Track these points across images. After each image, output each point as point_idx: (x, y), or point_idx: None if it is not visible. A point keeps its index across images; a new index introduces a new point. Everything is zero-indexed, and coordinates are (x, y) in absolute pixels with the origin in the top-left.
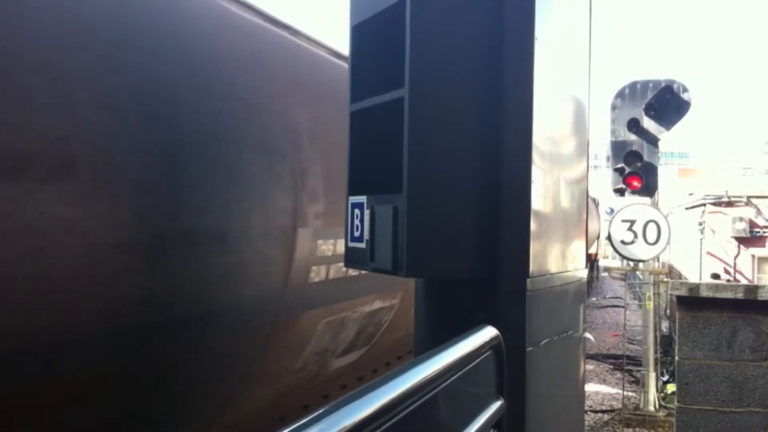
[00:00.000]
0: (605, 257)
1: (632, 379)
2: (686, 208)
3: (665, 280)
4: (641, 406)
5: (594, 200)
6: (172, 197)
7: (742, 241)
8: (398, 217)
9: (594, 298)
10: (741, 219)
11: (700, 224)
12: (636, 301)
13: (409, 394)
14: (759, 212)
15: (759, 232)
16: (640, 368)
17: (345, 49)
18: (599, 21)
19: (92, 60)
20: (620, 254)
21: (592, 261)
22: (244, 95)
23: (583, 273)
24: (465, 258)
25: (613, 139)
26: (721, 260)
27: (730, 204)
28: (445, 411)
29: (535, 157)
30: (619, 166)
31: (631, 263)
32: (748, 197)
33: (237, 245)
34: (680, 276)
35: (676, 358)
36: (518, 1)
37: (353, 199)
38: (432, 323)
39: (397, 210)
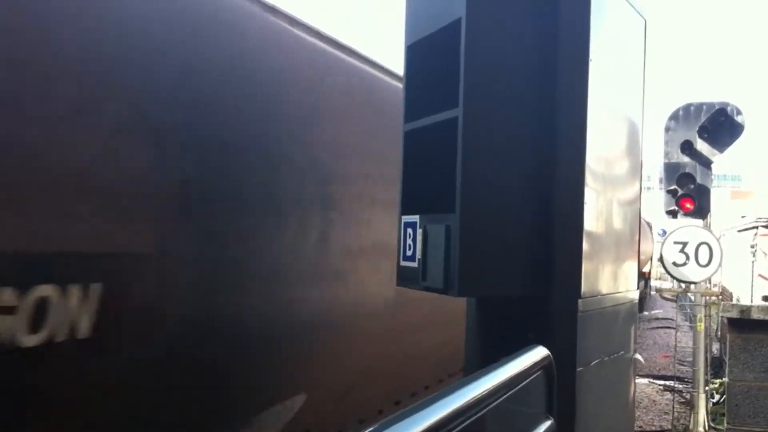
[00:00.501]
0: (658, 278)
1: (682, 400)
2: (738, 231)
3: (716, 302)
4: (691, 427)
5: (648, 223)
6: None
7: None
8: (450, 237)
9: (646, 312)
10: None
11: (752, 246)
12: (687, 323)
13: (459, 413)
14: None
15: None
16: (690, 389)
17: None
18: (654, 42)
19: None
20: (672, 276)
21: (645, 279)
22: None
23: (635, 294)
24: (516, 278)
25: (666, 161)
26: None
27: None
28: (496, 430)
29: (588, 177)
30: (672, 187)
31: (683, 285)
32: None
33: None
34: (732, 298)
35: (727, 379)
36: (573, 21)
37: (406, 218)
38: (483, 342)
39: (449, 229)
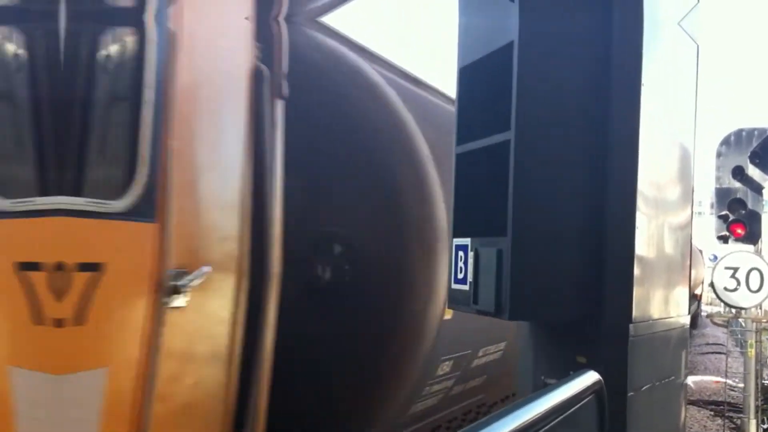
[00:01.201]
0: (708, 303)
1: (733, 426)
2: None
3: (767, 327)
4: None
5: (698, 249)
6: None
7: None
8: (502, 260)
9: (695, 330)
10: None
11: None
12: (738, 348)
13: None
14: None
15: None
16: (741, 415)
17: None
18: (707, 66)
19: None
20: (723, 301)
21: (697, 300)
22: None
23: (686, 319)
24: (568, 302)
25: (718, 186)
26: None
27: None
28: None
29: (640, 202)
30: (723, 213)
31: (734, 310)
32: None
33: None
34: None
35: None
36: (626, 45)
37: (457, 241)
38: (535, 366)
39: (501, 253)
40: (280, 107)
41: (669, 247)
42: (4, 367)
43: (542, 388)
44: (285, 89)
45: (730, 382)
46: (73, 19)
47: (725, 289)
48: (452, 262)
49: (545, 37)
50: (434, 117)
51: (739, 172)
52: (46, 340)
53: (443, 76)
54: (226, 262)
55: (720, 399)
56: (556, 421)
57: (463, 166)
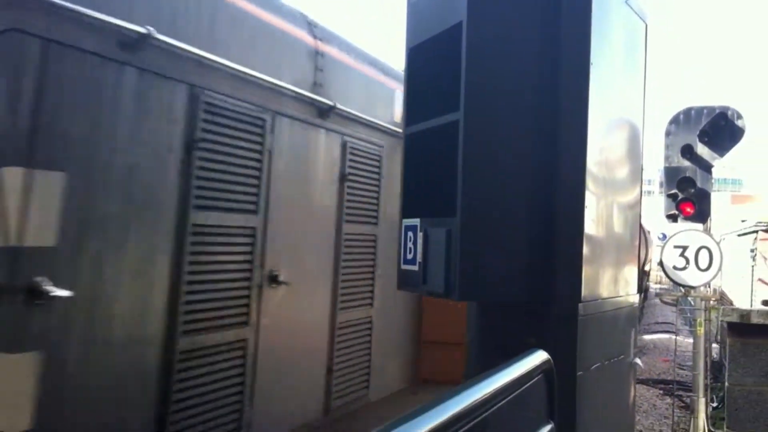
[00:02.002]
0: (658, 283)
1: (682, 404)
2: (738, 235)
3: (716, 306)
4: (691, 431)
5: (643, 228)
6: None
7: None
8: (451, 241)
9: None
10: None
11: (752, 251)
12: (687, 327)
13: (460, 417)
14: None
15: None
16: (691, 393)
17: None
18: (655, 47)
19: None
20: (672, 280)
21: (647, 278)
22: None
23: (635, 298)
24: (517, 282)
25: (667, 165)
26: None
27: None
28: None
29: (589, 182)
30: (672, 192)
31: (683, 289)
32: None
33: None
34: (732, 303)
35: (726, 383)
36: (574, 26)
37: (407, 221)
38: (483, 346)
39: (450, 233)
40: None
41: (618, 227)
42: None
43: (491, 368)
44: None
45: (679, 361)
46: None
47: (674, 267)
48: (402, 243)
49: (494, 17)
50: None
51: (688, 151)
52: None
53: None
54: None
55: (669, 378)
56: (505, 400)
57: (413, 147)
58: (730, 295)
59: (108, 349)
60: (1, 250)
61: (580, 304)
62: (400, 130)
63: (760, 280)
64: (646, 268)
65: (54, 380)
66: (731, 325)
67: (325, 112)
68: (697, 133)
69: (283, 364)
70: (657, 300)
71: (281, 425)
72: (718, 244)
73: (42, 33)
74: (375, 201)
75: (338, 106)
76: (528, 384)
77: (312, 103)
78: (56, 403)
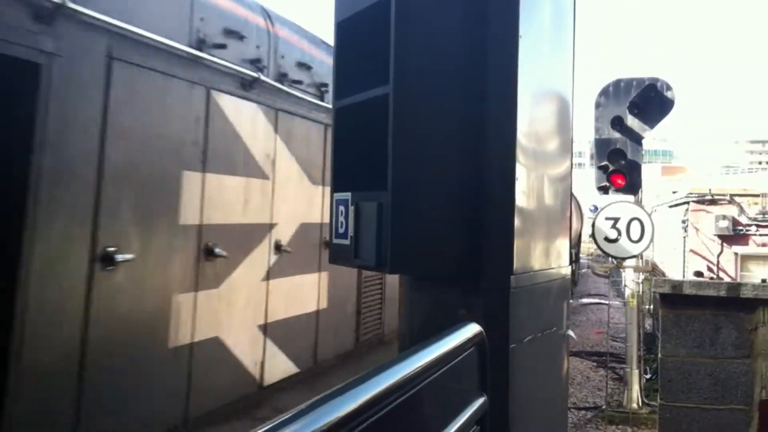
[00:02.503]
0: (590, 255)
1: (615, 376)
2: (670, 206)
3: (648, 277)
4: (624, 403)
5: (575, 198)
6: None
7: (725, 239)
8: (383, 214)
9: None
10: (724, 217)
11: (684, 222)
12: (619, 299)
13: (392, 390)
14: (742, 210)
15: (742, 230)
16: (624, 365)
17: None
18: (583, 18)
19: None
20: (604, 251)
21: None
22: None
23: (567, 270)
24: (449, 255)
25: (597, 137)
26: (704, 258)
27: (713, 202)
28: (429, 407)
29: (519, 154)
30: (603, 164)
31: (615, 261)
32: (731, 195)
33: None
34: (664, 274)
35: (660, 355)
36: None
37: (338, 195)
38: (416, 319)
39: (381, 206)
40: None
41: (549, 199)
42: None
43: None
44: None
45: (612, 333)
46: None
47: (606, 239)
48: (333, 217)
49: None
50: None
51: (618, 123)
52: None
53: None
54: None
55: (602, 350)
56: (438, 373)
57: (343, 121)
58: (663, 267)
59: None
60: None
61: (511, 277)
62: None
63: (692, 251)
64: (578, 241)
65: None
66: (664, 297)
67: None
68: (627, 104)
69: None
70: (589, 271)
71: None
72: (649, 215)
73: None
74: None
75: None
76: (460, 357)
77: None
78: None
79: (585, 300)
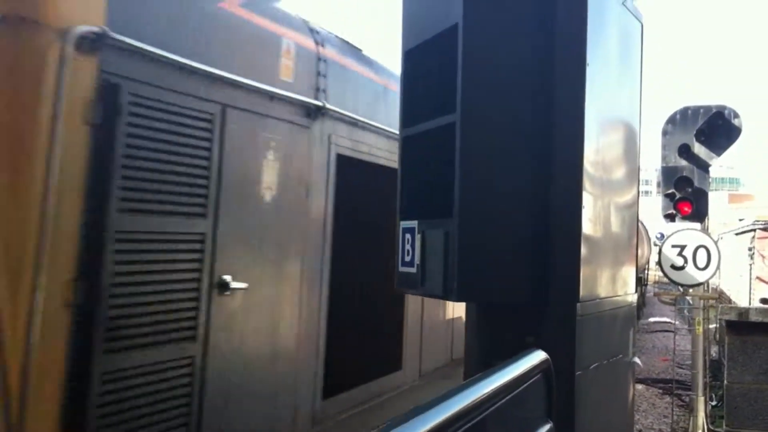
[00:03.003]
0: (655, 282)
1: (681, 403)
2: (736, 234)
3: (714, 304)
4: (690, 430)
5: (644, 226)
6: None
7: None
8: (449, 242)
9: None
10: None
11: (750, 249)
12: (686, 326)
13: (459, 417)
14: None
15: None
16: (689, 392)
17: None
18: (651, 46)
19: None
20: (670, 279)
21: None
22: None
23: (633, 297)
24: (515, 283)
25: (664, 165)
26: None
27: None
28: None
29: (586, 182)
30: (670, 191)
31: (681, 288)
32: None
33: None
34: (730, 301)
35: (725, 382)
36: (570, 26)
37: (404, 223)
38: (483, 346)
39: (448, 235)
40: None
41: (615, 226)
42: None
43: (490, 368)
44: None
45: (678, 360)
46: None
47: (672, 267)
48: (400, 245)
49: (489, 19)
50: None
51: (685, 150)
52: None
53: None
54: None
55: (668, 377)
56: (505, 400)
57: (409, 149)
58: (729, 294)
59: None
60: None
61: (578, 304)
62: None
63: (758, 278)
64: (645, 266)
65: None
66: (730, 324)
67: None
68: (694, 132)
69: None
70: (655, 303)
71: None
72: (715, 243)
73: None
74: None
75: None
76: (527, 383)
77: None
78: None
79: (652, 319)
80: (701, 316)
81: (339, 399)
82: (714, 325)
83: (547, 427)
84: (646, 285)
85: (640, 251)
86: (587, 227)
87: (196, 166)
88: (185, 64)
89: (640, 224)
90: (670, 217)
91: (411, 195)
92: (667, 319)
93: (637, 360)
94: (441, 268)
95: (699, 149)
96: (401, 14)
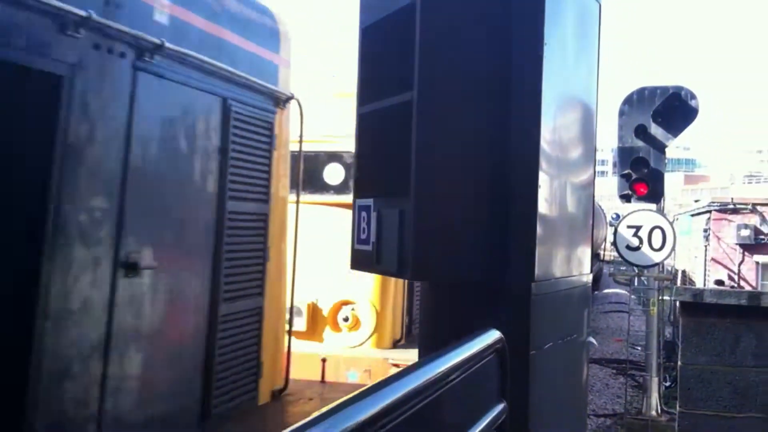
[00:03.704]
0: (610, 262)
1: (635, 383)
2: (692, 215)
3: (669, 286)
4: (644, 410)
5: (600, 207)
6: None
7: (746, 248)
8: (405, 221)
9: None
10: (746, 226)
11: (705, 231)
12: (640, 307)
13: (413, 395)
14: (764, 219)
15: (764, 239)
16: (644, 373)
17: None
18: (608, 26)
19: None
20: (625, 260)
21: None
22: None
23: (588, 277)
24: (470, 261)
25: (621, 145)
26: (725, 267)
27: (735, 211)
28: (449, 412)
29: (543, 162)
30: (626, 172)
31: (636, 269)
32: (754, 204)
33: None
34: (692, 281)
35: (679, 363)
36: (527, 6)
37: (360, 201)
38: (436, 326)
39: (403, 213)
40: None
41: (572, 206)
42: None
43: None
44: None
45: (632, 341)
46: None
47: (628, 247)
48: (355, 223)
49: None
50: None
51: (641, 131)
52: None
53: None
54: None
55: (622, 357)
56: (458, 379)
57: (366, 127)
58: (692, 276)
59: None
60: None
61: (533, 284)
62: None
63: (713, 260)
64: (600, 248)
65: None
66: (684, 305)
67: None
68: (651, 113)
69: None
70: (611, 284)
71: None
72: (671, 224)
73: None
74: None
75: None
76: (481, 363)
77: None
78: None
79: (607, 291)
80: (656, 297)
81: None
82: (669, 299)
83: (501, 406)
84: (603, 261)
85: (597, 231)
86: (543, 207)
87: None
88: None
89: (596, 205)
90: (625, 198)
91: (367, 173)
92: (623, 292)
93: (592, 339)
94: (396, 246)
95: (656, 130)
96: None
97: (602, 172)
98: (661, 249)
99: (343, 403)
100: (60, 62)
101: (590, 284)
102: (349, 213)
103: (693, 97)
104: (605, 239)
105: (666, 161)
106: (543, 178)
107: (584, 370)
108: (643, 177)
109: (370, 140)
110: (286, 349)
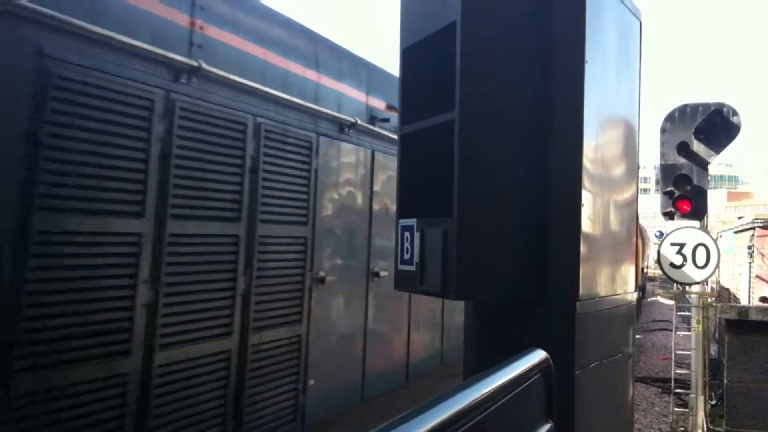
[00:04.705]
0: (654, 280)
1: (680, 402)
2: (735, 232)
3: (714, 303)
4: (690, 429)
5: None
6: None
7: None
8: (448, 241)
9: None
10: None
11: (749, 248)
12: (685, 325)
13: (458, 417)
14: None
15: None
16: (689, 391)
17: None
18: (649, 43)
19: None
20: (669, 277)
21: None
22: None
23: (633, 296)
24: (514, 281)
25: (663, 163)
26: None
27: None
28: None
29: (585, 180)
30: (669, 189)
31: (680, 286)
32: None
33: None
34: (737, 298)
35: (725, 381)
36: (568, 24)
37: (403, 221)
38: (482, 345)
39: (446, 233)
40: None
41: (615, 224)
42: None
43: (489, 368)
44: None
45: (677, 359)
46: None
47: (671, 265)
48: (399, 243)
49: (488, 17)
50: None
51: (683, 148)
52: None
53: None
54: None
55: (667, 376)
56: (504, 399)
57: (408, 147)
58: (737, 293)
59: None
60: None
61: (577, 303)
62: None
63: (758, 277)
64: (643, 265)
65: None
66: (729, 323)
67: None
68: (693, 130)
69: None
70: (657, 298)
71: None
72: (715, 241)
73: None
74: None
75: None
76: (526, 383)
77: None
78: None
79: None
80: (700, 315)
81: None
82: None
83: (548, 426)
84: (645, 276)
85: (645, 248)
86: (586, 225)
87: None
88: None
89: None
90: (669, 215)
91: (410, 193)
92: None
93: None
94: (440, 266)
95: (698, 147)
96: (399, 11)
97: (645, 190)
98: (705, 266)
99: (386, 427)
100: None
101: (635, 303)
102: None
103: (735, 113)
104: (648, 257)
105: (709, 178)
106: (586, 196)
107: (630, 388)
108: (686, 194)
109: (413, 160)
110: None
